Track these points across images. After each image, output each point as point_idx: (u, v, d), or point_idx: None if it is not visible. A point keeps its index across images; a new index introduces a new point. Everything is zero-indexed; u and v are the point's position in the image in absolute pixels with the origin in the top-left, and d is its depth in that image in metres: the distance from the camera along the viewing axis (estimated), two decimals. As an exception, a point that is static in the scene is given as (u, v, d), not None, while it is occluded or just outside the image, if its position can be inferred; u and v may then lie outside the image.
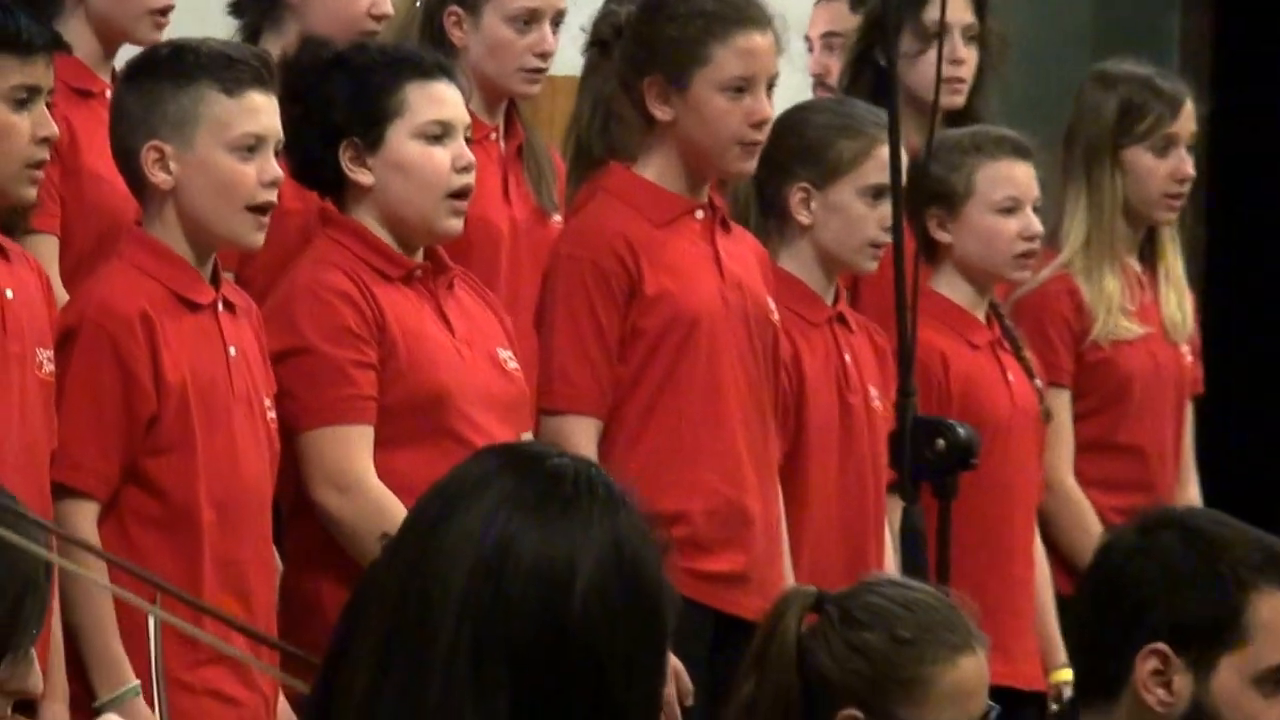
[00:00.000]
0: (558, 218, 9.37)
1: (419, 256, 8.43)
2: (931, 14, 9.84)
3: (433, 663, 4.32)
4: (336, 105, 8.42)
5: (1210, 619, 6.39)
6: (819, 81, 10.52)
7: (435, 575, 4.37)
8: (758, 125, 9.01)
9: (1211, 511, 7.16)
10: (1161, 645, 6.30)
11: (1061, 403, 9.58)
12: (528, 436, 8.67)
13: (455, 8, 9.33)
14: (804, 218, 9.27)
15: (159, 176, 7.93)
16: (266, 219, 8.11)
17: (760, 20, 9.06)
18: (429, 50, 8.95)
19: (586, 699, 4.39)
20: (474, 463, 4.64)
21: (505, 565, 4.32)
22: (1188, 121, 10.04)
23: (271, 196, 8.06)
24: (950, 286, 9.40)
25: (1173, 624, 6.36)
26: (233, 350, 7.94)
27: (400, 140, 8.33)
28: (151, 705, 7.38)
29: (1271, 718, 6.34)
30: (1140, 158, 10.00)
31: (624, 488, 4.55)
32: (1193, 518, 7.04)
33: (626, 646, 4.40)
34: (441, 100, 8.44)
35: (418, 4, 9.49)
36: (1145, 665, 6.33)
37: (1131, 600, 6.51)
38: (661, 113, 8.95)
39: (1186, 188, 10.15)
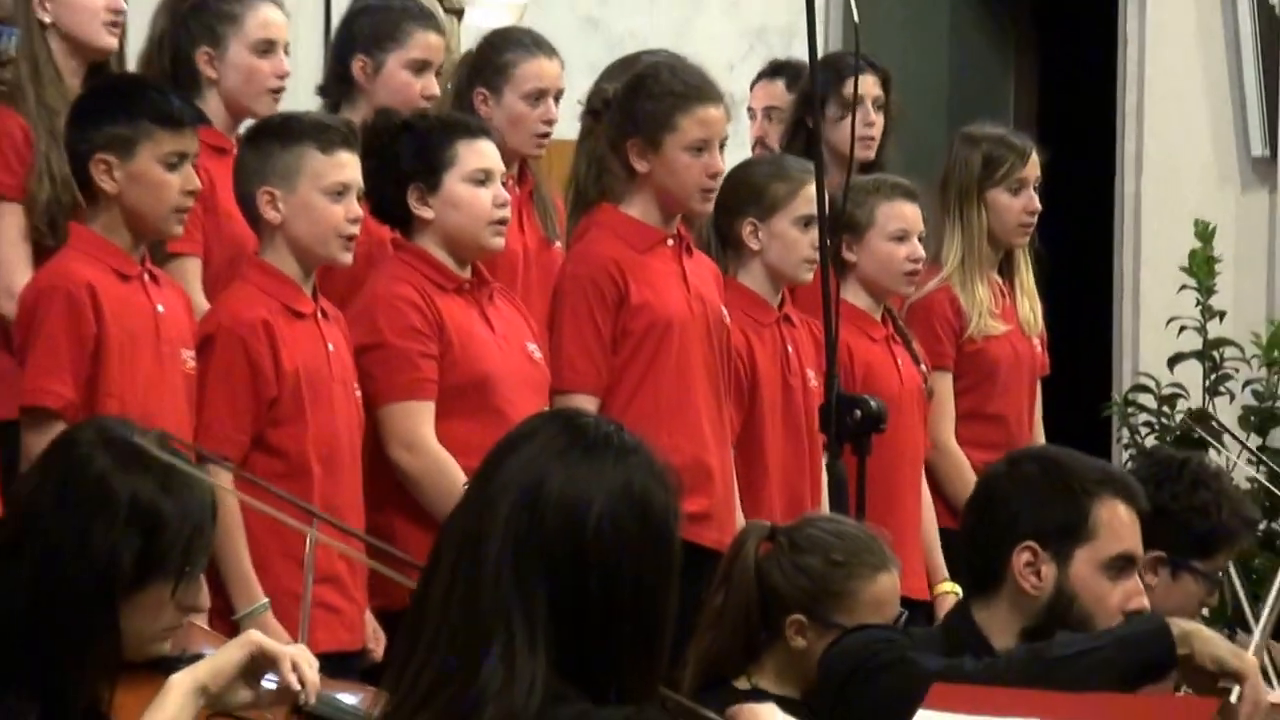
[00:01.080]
0: (559, 245, 9.47)
1: (468, 273, 8.47)
2: (849, 89, 9.98)
3: (484, 575, 4.62)
4: (405, 158, 8.47)
5: (1065, 522, 6.63)
6: (759, 143, 10.57)
7: (489, 507, 4.66)
8: (714, 176, 9.10)
9: (1059, 446, 7.28)
10: (1031, 543, 6.52)
11: (945, 383, 9.69)
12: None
13: (481, 89, 9.42)
14: (754, 244, 9.33)
15: (271, 215, 8.02)
16: (353, 245, 8.23)
17: (714, 97, 9.18)
18: (473, 116, 8.98)
19: (605, 606, 4.65)
20: (523, 423, 4.91)
21: (538, 498, 4.58)
22: (1034, 168, 10.15)
23: (356, 230, 8.18)
24: (855, 295, 9.50)
25: (1037, 528, 6.59)
26: (330, 346, 8.04)
27: (454, 184, 8.41)
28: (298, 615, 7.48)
29: (1116, 595, 6.60)
30: (999, 197, 10.08)
31: (639, 440, 4.90)
32: (1046, 451, 7.41)
33: (635, 565, 4.65)
34: (484, 153, 8.51)
35: (449, 86, 9.63)
36: (1020, 560, 6.54)
37: (1006, 512, 6.70)
38: (641, 166, 9.02)
39: (1034, 219, 10.27)
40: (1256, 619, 7.17)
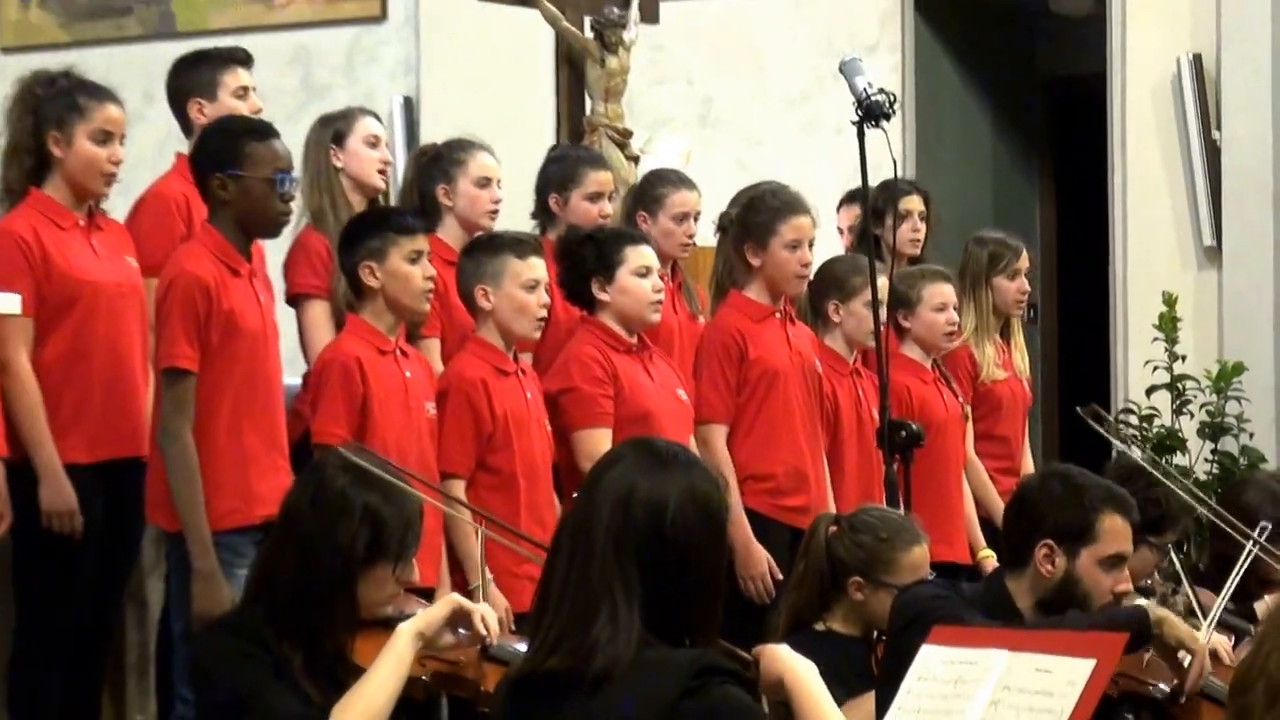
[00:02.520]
0: (701, 319, 9.39)
1: (634, 340, 8.48)
2: (902, 206, 9.97)
3: (593, 558, 4.72)
4: (589, 260, 8.44)
5: (1076, 528, 6.64)
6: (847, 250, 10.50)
7: (595, 509, 4.76)
8: (805, 266, 9.08)
9: (1079, 468, 7.25)
10: (1049, 541, 6.58)
11: (966, 412, 9.70)
12: (692, 438, 8.75)
13: (642, 211, 9.40)
14: (836, 318, 9.31)
15: (484, 305, 8.02)
16: (543, 325, 8.23)
17: (804, 209, 9.12)
18: (636, 230, 8.98)
19: (681, 573, 4.74)
20: (614, 449, 5.09)
21: (630, 501, 4.73)
22: (1025, 261, 10.05)
23: (544, 314, 8.16)
24: (910, 350, 9.44)
25: (1055, 530, 6.62)
26: (529, 394, 8.07)
27: (625, 277, 8.37)
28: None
29: (1108, 582, 6.66)
30: (1001, 282, 10.02)
31: (696, 457, 5.06)
32: (1069, 471, 7.15)
33: (698, 547, 4.79)
34: (645, 255, 8.46)
35: (620, 208, 9.63)
36: (1040, 552, 6.61)
37: (1035, 514, 6.75)
38: (755, 261, 9.02)
39: (1026, 297, 10.21)
40: (1206, 613, 7.15)
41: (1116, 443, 8.31)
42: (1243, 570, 7.21)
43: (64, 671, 7.96)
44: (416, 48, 13.49)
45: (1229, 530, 7.59)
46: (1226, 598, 7.16)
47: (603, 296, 8.56)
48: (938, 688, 5.54)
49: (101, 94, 7.97)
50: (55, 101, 7.90)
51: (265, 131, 7.91)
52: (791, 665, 4.93)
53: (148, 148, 8.35)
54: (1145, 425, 11.55)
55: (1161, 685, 6.49)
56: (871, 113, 8.42)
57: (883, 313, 8.89)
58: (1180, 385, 11.69)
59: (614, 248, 8.67)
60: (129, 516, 7.73)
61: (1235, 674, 5.93)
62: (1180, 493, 7.83)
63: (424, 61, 13.38)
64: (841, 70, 8.87)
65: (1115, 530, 6.70)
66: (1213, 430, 11.59)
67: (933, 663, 5.56)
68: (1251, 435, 11.61)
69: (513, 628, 5.55)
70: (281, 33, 13.70)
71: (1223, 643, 6.86)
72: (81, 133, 7.84)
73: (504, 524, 7.55)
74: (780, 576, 8.47)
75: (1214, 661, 6.79)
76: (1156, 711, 6.58)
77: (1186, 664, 6.48)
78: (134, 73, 9.17)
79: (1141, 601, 6.77)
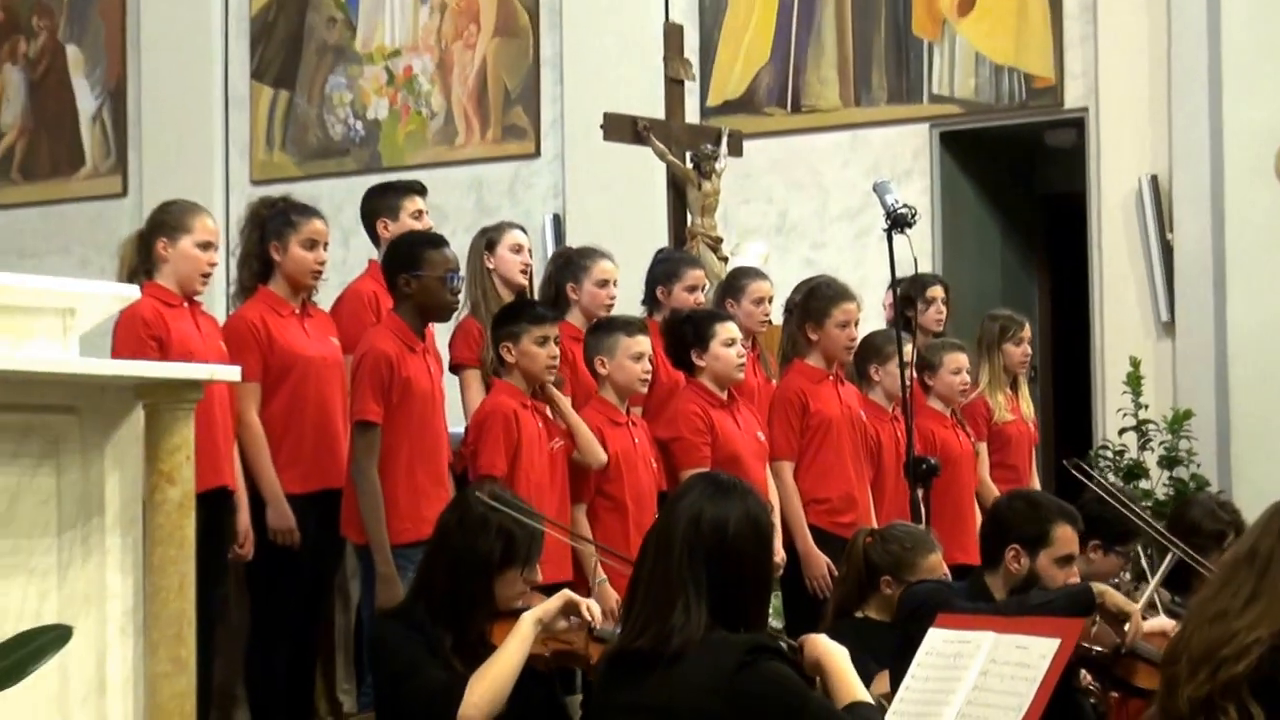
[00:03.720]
0: (774, 382, 9.26)
1: (725, 395, 8.43)
2: (929, 293, 9.89)
3: (672, 564, 4.69)
4: (689, 334, 8.48)
5: (1036, 535, 6.58)
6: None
7: (673, 526, 4.75)
8: (851, 340, 9.00)
9: (1039, 490, 7.47)
10: (1016, 546, 6.55)
11: (983, 448, 9.51)
12: (769, 471, 8.72)
13: (730, 299, 9.28)
14: (876, 378, 9.24)
15: (602, 371, 8.02)
16: (648, 384, 8.13)
17: (851, 297, 9.03)
18: (724, 311, 8.94)
19: (738, 576, 4.72)
20: (685, 482, 5.05)
21: (700, 520, 4.72)
22: (1027, 331, 9.96)
23: (648, 377, 8.08)
24: (935, 403, 9.35)
25: (1019, 537, 6.58)
26: (636, 440, 7.96)
27: (716, 346, 8.35)
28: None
29: (1061, 576, 6.61)
30: (1008, 348, 9.92)
31: (751, 486, 5.03)
32: (1029, 492, 7.76)
33: (752, 556, 4.76)
34: (731, 329, 8.46)
35: (712, 296, 9.51)
36: (1009, 554, 6.59)
37: (1004, 527, 6.71)
38: (814, 336, 8.91)
39: (1029, 359, 10.09)
40: (1144, 590, 7.10)
41: (1093, 486, 8.18)
42: (1170, 568, 7.14)
43: (288, 653, 7.95)
44: (562, 177, 13.49)
45: (1166, 541, 7.53)
46: (1158, 583, 7.08)
47: (700, 363, 8.50)
48: (941, 661, 5.50)
49: (309, 212, 7.97)
50: (274, 219, 7.90)
51: (438, 241, 7.91)
52: (828, 650, 4.87)
53: (360, 254, 8.34)
54: (1118, 457, 11.49)
55: (1100, 649, 6.38)
56: (898, 222, 8.44)
57: (910, 373, 8.92)
58: (1144, 428, 11.59)
59: (707, 325, 8.62)
60: (333, 533, 7.70)
61: (1166, 649, 5.85)
62: (1134, 516, 7.72)
63: (568, 187, 13.39)
64: (874, 190, 8.89)
65: (1065, 537, 6.69)
66: (1169, 461, 11.47)
67: (937, 642, 5.55)
68: (1199, 465, 11.47)
69: (597, 621, 5.46)
70: (461, 166, 13.75)
71: (1168, 624, 6.72)
72: (294, 242, 7.82)
73: (606, 547, 7.57)
74: (835, 574, 8.30)
75: (1159, 638, 6.69)
76: (1102, 670, 6.46)
77: (1127, 627, 6.40)
78: (352, 199, 9.14)
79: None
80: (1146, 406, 11.63)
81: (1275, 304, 11.36)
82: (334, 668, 8.39)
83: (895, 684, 5.56)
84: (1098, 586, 6.50)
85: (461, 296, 8.51)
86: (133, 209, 14.08)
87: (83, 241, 14.20)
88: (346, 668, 8.37)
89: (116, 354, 6.98)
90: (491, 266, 8.65)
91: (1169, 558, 7.18)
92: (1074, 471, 8.05)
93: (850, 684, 4.79)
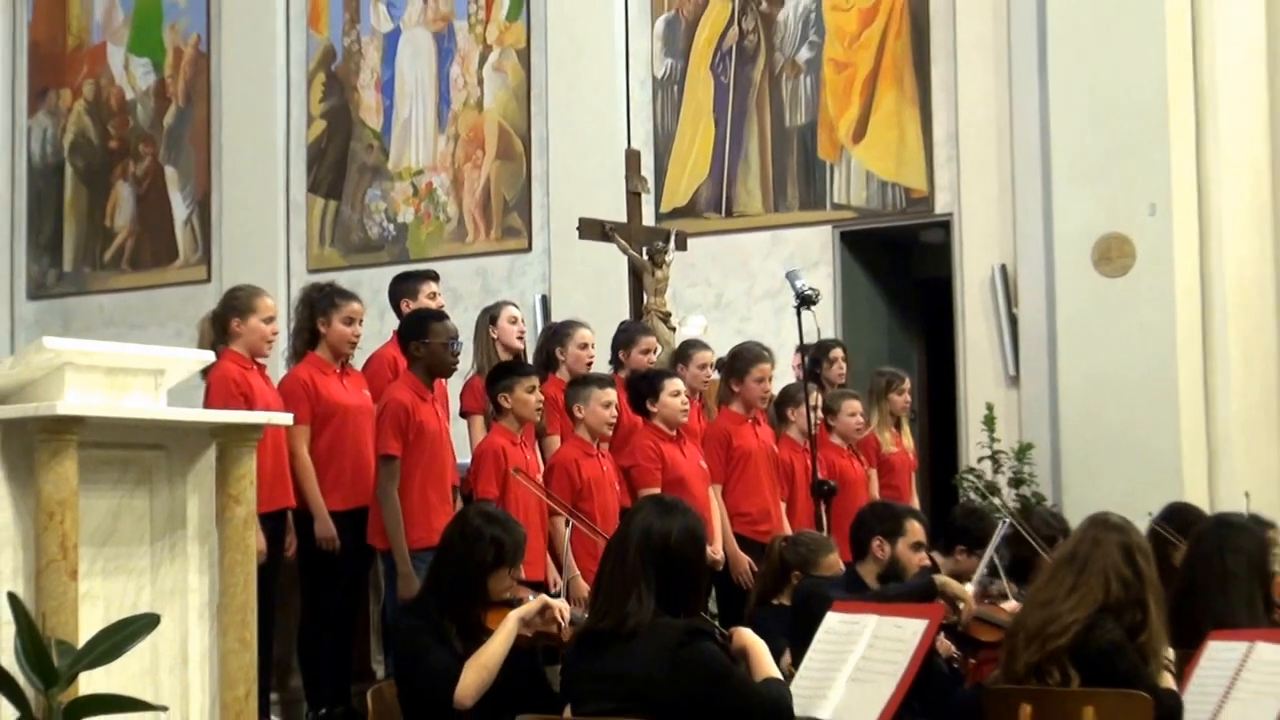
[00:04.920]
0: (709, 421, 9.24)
1: (675, 433, 8.54)
2: (831, 354, 9.87)
3: (627, 565, 4.69)
4: (644, 388, 8.53)
5: (894, 528, 6.64)
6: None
7: (629, 536, 4.75)
8: (766, 392, 9.05)
9: (891, 500, 7.68)
10: (879, 538, 6.55)
11: (872, 472, 9.46)
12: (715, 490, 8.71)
13: (680, 364, 9.26)
14: (792, 419, 9.22)
15: (579, 414, 7.96)
16: (614, 428, 8.12)
17: (767, 359, 9.02)
18: (673, 372, 8.99)
19: (679, 574, 4.70)
20: (638, 502, 5.09)
21: (650, 531, 4.69)
22: (907, 384, 9.94)
23: (614, 421, 8.08)
24: (837, 440, 9.33)
25: (882, 530, 6.65)
26: (605, 468, 7.90)
27: (666, 397, 8.54)
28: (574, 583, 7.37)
29: (915, 560, 6.64)
30: (894, 396, 9.90)
31: (689, 505, 5.02)
32: (883, 501, 8.11)
33: (689, 560, 4.72)
34: (678, 385, 8.61)
35: (664, 359, 9.52)
36: (875, 544, 6.59)
37: (868, 524, 6.76)
38: (737, 389, 8.98)
39: (909, 404, 10.06)
40: (1011, 593, 7.08)
41: (971, 495, 8.22)
42: (993, 550, 7.20)
43: (332, 633, 7.92)
44: (549, 267, 13.47)
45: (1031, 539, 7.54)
46: (982, 569, 7.06)
47: (653, 409, 8.47)
48: (836, 638, 5.49)
49: (348, 295, 7.96)
50: (321, 300, 7.90)
51: (441, 316, 7.93)
52: (752, 639, 4.89)
53: (392, 327, 8.32)
54: (978, 479, 11.37)
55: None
56: (806, 301, 8.48)
57: (816, 416, 8.91)
58: (997, 457, 11.55)
59: (658, 381, 8.61)
60: (364, 541, 7.68)
61: (1010, 624, 5.88)
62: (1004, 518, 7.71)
63: (553, 275, 13.37)
64: (786, 277, 8.93)
65: (915, 528, 6.67)
66: (1016, 482, 11.44)
67: (833, 623, 5.55)
68: (1038, 485, 11.45)
69: (566, 614, 5.43)
70: (470, 259, 13.71)
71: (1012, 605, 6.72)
72: (337, 319, 7.82)
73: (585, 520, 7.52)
74: (756, 570, 8.25)
75: (1000, 611, 6.69)
76: (957, 634, 6.50)
77: (961, 607, 6.40)
78: (384, 283, 9.13)
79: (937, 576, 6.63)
80: (999, 440, 11.60)
81: (1095, 363, 11.36)
82: (368, 645, 8.34)
83: (797, 658, 5.53)
84: (939, 578, 6.52)
85: (471, 360, 8.58)
86: (215, 292, 13.76)
87: (176, 317, 14.18)
88: (378, 645, 8.32)
89: (210, 404, 7.04)
90: (495, 336, 8.69)
91: (998, 532, 7.23)
92: (965, 488, 8.06)
93: (767, 665, 4.81)
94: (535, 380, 7.81)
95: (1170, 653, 5.65)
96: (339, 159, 14.47)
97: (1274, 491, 11.23)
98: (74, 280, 15.59)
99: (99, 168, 15.47)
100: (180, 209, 15.11)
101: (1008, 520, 7.61)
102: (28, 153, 15.79)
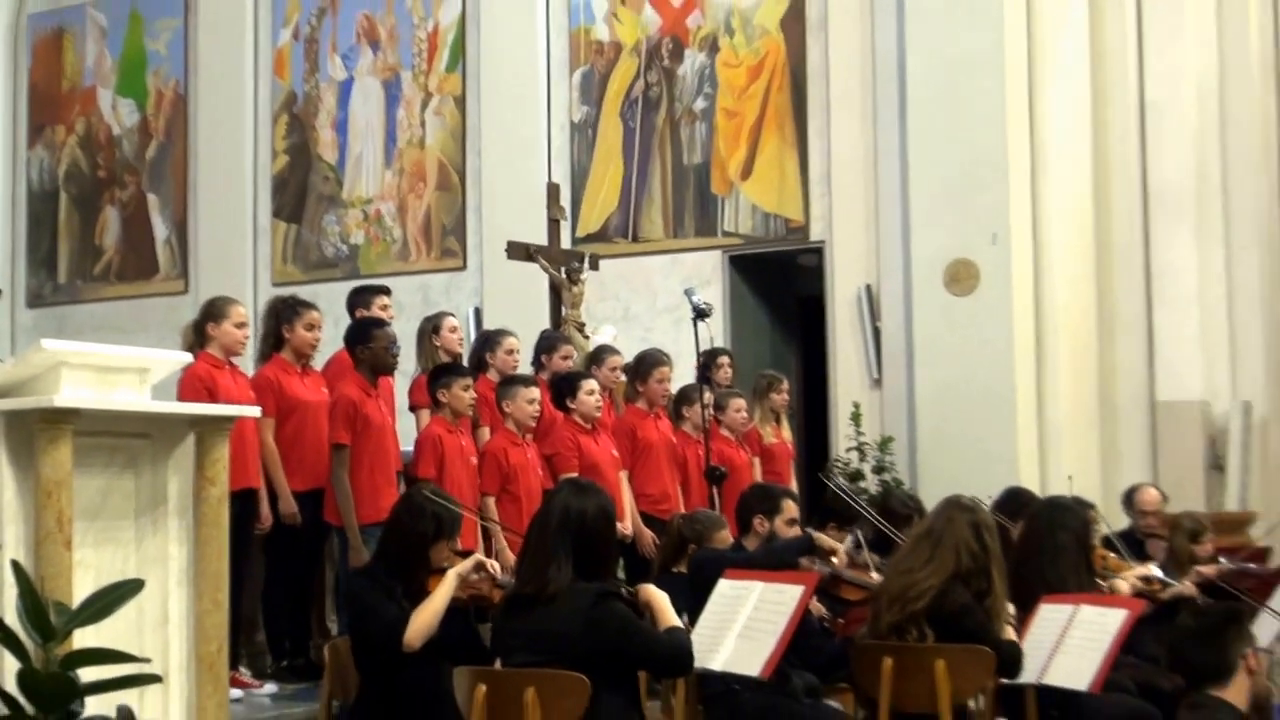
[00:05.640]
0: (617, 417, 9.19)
1: (590, 426, 8.55)
2: (720, 360, 9.77)
3: (548, 537, 4.64)
4: (565, 389, 8.49)
5: (770, 505, 6.86)
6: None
7: (550, 513, 4.71)
8: (666, 391, 9.07)
9: (770, 483, 7.50)
10: (760, 515, 6.83)
11: (756, 460, 9.43)
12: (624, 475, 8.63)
13: (595, 366, 9.21)
14: (687, 415, 9.14)
15: (508, 410, 7.89)
16: (538, 419, 8.00)
17: (667, 362, 9.07)
18: (589, 375, 8.90)
19: (592, 546, 4.65)
20: (559, 484, 5.03)
21: (568, 509, 4.62)
22: (785, 385, 9.92)
23: (538, 413, 8.01)
24: (725, 431, 9.23)
25: (761, 509, 6.88)
26: (530, 456, 7.86)
27: (582, 395, 8.51)
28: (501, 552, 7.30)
29: (791, 531, 6.76)
30: (774, 395, 9.87)
31: (602, 487, 4.98)
32: (763, 484, 7.84)
33: (600, 533, 4.65)
34: (592, 385, 8.58)
35: (581, 364, 9.43)
36: (756, 521, 6.87)
37: (749, 505, 6.94)
38: (642, 389, 9.03)
39: (787, 401, 10.03)
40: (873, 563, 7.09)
41: (832, 486, 8.20)
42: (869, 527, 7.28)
43: (292, 598, 7.86)
44: (481, 284, 13.38)
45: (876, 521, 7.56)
46: (850, 542, 7.03)
47: (571, 405, 8.46)
48: (726, 601, 5.49)
49: (309, 305, 7.89)
50: (285, 310, 7.83)
51: (383, 324, 7.92)
52: (655, 593, 4.83)
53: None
54: (846, 466, 11.46)
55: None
56: (701, 314, 8.48)
57: (708, 412, 8.90)
58: (862, 448, 11.58)
59: (575, 381, 8.60)
60: (321, 517, 7.60)
61: (875, 589, 5.91)
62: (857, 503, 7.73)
63: (485, 290, 13.27)
64: (685, 293, 8.94)
65: (789, 507, 6.75)
66: (878, 469, 11.47)
67: (724, 588, 5.54)
68: (897, 471, 11.48)
69: (498, 574, 5.39)
70: (413, 276, 13.59)
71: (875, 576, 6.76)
72: (299, 325, 7.74)
73: (506, 526, 7.51)
74: (658, 543, 8.21)
75: (866, 576, 6.72)
76: (828, 595, 6.54)
77: (836, 560, 6.44)
78: (339, 296, 9.06)
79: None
80: (864, 434, 11.64)
81: (945, 369, 11.43)
82: (324, 607, 8.27)
83: (693, 619, 5.50)
84: (816, 535, 6.59)
85: (416, 362, 8.52)
86: (192, 302, 13.72)
87: (158, 324, 13.98)
88: (332, 606, 8.24)
89: (180, 398, 6.89)
90: (437, 343, 8.61)
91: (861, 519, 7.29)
92: (825, 480, 8.11)
93: (669, 616, 4.78)
94: (469, 380, 7.78)
95: (1011, 609, 5.72)
96: (299, 188, 14.34)
97: (1093, 477, 11.39)
98: (68, 291, 15.40)
99: (89, 194, 15.31)
100: (161, 230, 14.93)
101: (867, 514, 7.65)
102: (27, 180, 15.62)
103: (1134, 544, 8.69)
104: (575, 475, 8.03)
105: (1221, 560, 8.31)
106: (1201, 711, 4.01)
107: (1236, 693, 4.11)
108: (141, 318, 14.55)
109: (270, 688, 7.46)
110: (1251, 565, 8.66)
